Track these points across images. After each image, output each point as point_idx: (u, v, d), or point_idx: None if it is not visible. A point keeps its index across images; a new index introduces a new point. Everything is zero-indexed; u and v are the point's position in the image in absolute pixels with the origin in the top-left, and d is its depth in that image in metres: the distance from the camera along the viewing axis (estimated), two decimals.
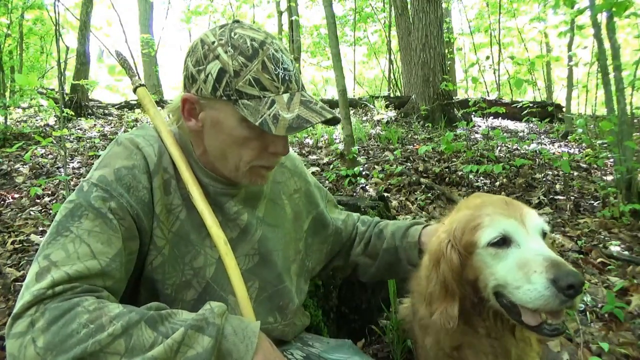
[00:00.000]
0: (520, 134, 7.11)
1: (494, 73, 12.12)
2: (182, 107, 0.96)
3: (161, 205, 0.95)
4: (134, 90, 1.13)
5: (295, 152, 5.90)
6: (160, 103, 8.46)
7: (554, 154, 5.28)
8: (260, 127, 0.86)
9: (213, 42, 0.91)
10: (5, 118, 5.95)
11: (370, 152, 5.47)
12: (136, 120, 7.69)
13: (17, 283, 2.28)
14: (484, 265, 0.97)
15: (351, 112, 6.38)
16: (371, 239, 1.36)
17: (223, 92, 0.89)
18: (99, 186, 0.89)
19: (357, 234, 1.39)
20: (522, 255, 0.92)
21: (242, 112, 0.88)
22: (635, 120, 5.32)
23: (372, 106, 8.70)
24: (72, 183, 4.16)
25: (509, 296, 0.92)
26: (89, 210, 0.85)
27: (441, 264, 1.01)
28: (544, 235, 0.98)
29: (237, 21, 0.96)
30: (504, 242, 0.95)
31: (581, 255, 2.66)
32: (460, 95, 13.31)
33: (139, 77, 1.18)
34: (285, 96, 0.91)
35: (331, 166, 4.85)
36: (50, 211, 3.45)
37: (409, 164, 4.79)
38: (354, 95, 12.09)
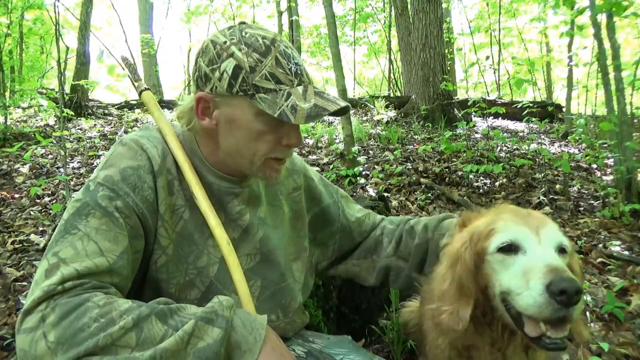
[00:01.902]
0: (520, 134, 7.11)
1: (494, 73, 12.12)
2: (196, 106, 0.98)
3: (165, 205, 0.97)
4: (139, 94, 1.16)
5: (295, 152, 5.88)
6: (160, 103, 8.46)
7: (554, 154, 5.29)
8: (280, 118, 0.89)
9: (225, 42, 0.94)
10: (5, 118, 5.95)
11: (370, 152, 5.47)
12: (136, 120, 7.69)
13: (17, 283, 2.28)
14: (493, 272, 0.96)
15: (351, 112, 6.38)
16: (402, 237, 1.29)
17: (239, 87, 0.92)
18: (105, 185, 0.91)
19: (384, 233, 1.33)
20: (527, 262, 0.90)
21: (260, 105, 0.91)
22: (635, 120, 5.32)
23: (372, 106, 8.70)
24: (72, 183, 4.16)
25: (512, 303, 0.90)
26: (95, 209, 0.87)
27: (458, 265, 1.00)
28: (562, 250, 0.94)
29: (243, 22, 0.99)
30: (511, 248, 0.93)
31: (581, 255, 2.66)
32: (460, 95, 13.31)
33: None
34: (300, 88, 0.94)
35: (331, 166, 4.85)
36: (50, 211, 3.45)
37: (409, 164, 4.78)
38: (354, 95, 12.08)
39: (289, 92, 0.92)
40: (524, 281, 0.87)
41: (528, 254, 0.91)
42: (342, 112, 1.01)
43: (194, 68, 0.99)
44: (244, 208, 1.08)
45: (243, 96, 0.92)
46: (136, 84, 1.20)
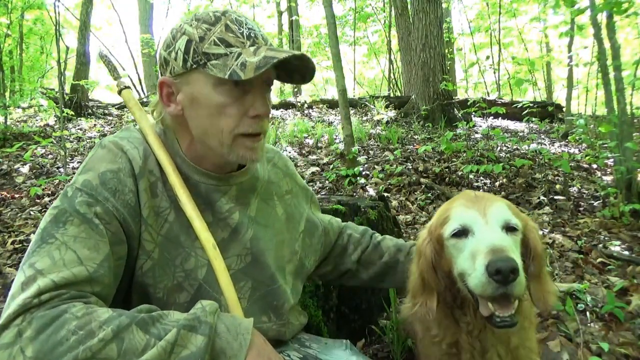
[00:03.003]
0: (520, 134, 7.11)
1: (494, 73, 12.11)
2: (160, 93, 0.97)
3: (148, 209, 0.94)
4: (119, 93, 1.12)
5: (295, 152, 5.87)
6: None
7: (554, 154, 5.28)
8: (231, 79, 0.86)
9: (180, 25, 0.95)
10: (5, 118, 5.95)
11: (370, 152, 5.47)
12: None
13: None
14: (451, 256, 1.02)
15: (351, 112, 6.39)
16: (367, 249, 1.39)
17: (192, 60, 0.90)
18: (83, 191, 0.87)
19: (349, 241, 1.40)
20: (475, 244, 0.95)
21: (212, 72, 0.88)
22: (635, 120, 5.32)
23: (372, 106, 8.70)
24: None
25: (467, 284, 0.96)
26: (74, 216, 0.84)
27: (420, 259, 1.07)
28: (510, 228, 0.99)
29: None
30: (463, 232, 0.99)
31: (581, 255, 2.66)
32: (460, 95, 13.30)
33: (129, 78, 1.16)
34: (252, 48, 0.91)
35: (331, 166, 4.85)
36: None
37: (409, 164, 4.79)
38: (354, 95, 12.08)
39: (239, 53, 0.89)
40: (472, 262, 0.93)
41: (476, 236, 0.97)
42: (305, 73, 0.97)
43: (158, 60, 0.99)
44: (233, 206, 1.05)
45: (197, 68, 0.90)
46: (115, 82, 1.14)
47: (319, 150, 5.70)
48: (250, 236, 1.07)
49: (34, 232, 3.02)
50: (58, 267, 0.77)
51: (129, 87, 1.13)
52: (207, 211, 1.00)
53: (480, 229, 0.97)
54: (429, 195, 3.91)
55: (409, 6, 8.26)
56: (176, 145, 1.01)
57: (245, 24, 0.93)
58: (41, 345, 0.69)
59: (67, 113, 6.32)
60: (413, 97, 7.85)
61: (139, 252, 0.93)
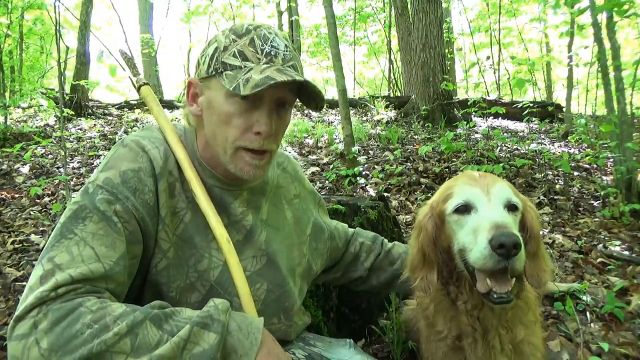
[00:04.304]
0: (520, 134, 7.10)
1: (494, 73, 12.11)
2: (187, 91, 1.01)
3: (166, 209, 0.95)
4: (138, 89, 1.15)
5: (295, 152, 5.87)
6: (160, 103, 8.43)
7: (554, 154, 5.28)
8: (233, 91, 0.88)
9: (219, 32, 0.99)
10: (5, 118, 5.95)
11: (370, 152, 5.47)
12: (136, 120, 7.69)
13: (17, 283, 2.28)
14: (452, 232, 1.05)
15: (351, 112, 6.38)
16: (379, 256, 1.42)
17: (213, 67, 0.94)
18: (104, 188, 0.89)
19: (362, 249, 1.42)
20: (477, 220, 0.98)
21: (223, 82, 0.91)
22: (635, 120, 5.31)
23: (372, 106, 8.69)
24: (72, 183, 4.16)
25: (466, 258, 0.99)
26: (93, 213, 0.85)
27: (421, 233, 1.11)
28: (511, 206, 1.02)
29: None
30: (465, 209, 1.02)
31: (581, 255, 2.66)
32: (460, 95, 13.30)
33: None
34: (265, 66, 0.92)
35: (331, 166, 4.85)
36: (50, 211, 3.45)
37: (409, 164, 4.78)
38: (354, 95, 12.07)
39: (251, 68, 0.91)
40: (474, 237, 0.96)
41: (479, 213, 1.00)
42: (312, 99, 0.99)
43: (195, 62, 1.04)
44: (246, 209, 1.07)
45: (215, 75, 0.94)
46: (134, 78, 1.18)
47: (319, 150, 5.70)
48: (264, 238, 1.09)
49: (34, 232, 3.02)
50: (76, 263, 0.79)
51: (147, 84, 1.17)
52: (221, 214, 1.01)
53: (483, 206, 1.00)
54: (429, 195, 3.90)
55: (409, 6, 8.25)
56: (195, 147, 1.04)
57: (272, 41, 0.94)
58: (56, 338, 0.70)
59: (67, 113, 6.31)
60: (413, 97, 7.84)
61: (154, 250, 0.95)
